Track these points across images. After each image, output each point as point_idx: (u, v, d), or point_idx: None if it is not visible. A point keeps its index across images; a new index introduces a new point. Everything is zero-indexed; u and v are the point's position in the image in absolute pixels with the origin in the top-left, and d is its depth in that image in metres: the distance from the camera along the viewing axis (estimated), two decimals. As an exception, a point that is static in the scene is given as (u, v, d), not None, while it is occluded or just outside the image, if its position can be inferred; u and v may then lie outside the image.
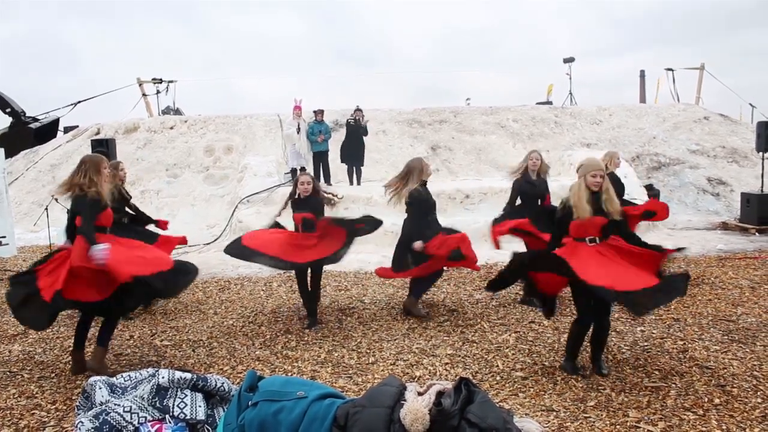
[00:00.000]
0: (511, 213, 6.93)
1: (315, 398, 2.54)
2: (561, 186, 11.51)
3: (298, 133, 12.59)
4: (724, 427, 3.76)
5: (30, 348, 5.76)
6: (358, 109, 13.47)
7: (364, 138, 13.32)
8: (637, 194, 11.50)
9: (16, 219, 13.15)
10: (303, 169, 12.77)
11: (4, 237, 9.90)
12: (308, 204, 6.20)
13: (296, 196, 6.29)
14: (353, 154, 13.22)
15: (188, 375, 2.90)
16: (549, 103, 19.71)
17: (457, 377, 2.56)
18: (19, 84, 59.28)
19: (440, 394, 2.41)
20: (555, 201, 7.40)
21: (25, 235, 12.91)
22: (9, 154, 15.86)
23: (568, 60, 20.22)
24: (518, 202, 6.97)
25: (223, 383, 2.98)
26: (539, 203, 6.75)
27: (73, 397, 4.42)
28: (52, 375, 5.02)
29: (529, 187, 6.82)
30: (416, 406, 2.32)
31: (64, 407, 4.33)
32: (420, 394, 2.44)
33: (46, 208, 11.36)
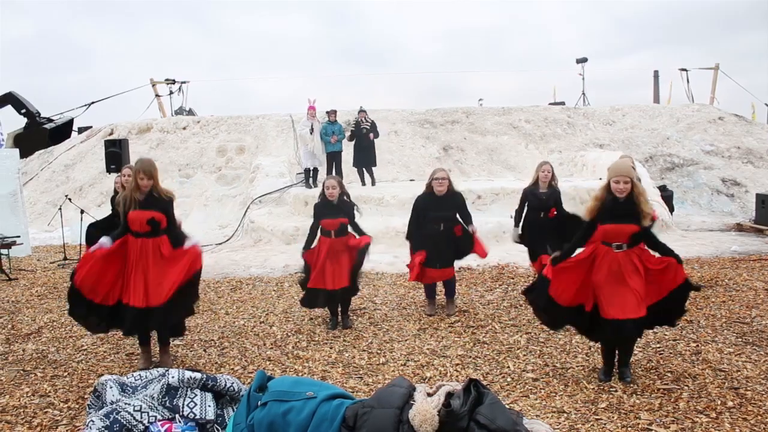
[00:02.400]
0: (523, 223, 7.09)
1: (324, 399, 2.54)
2: (573, 187, 11.48)
3: (311, 133, 12.59)
4: (737, 431, 3.72)
5: (43, 347, 5.81)
6: (362, 111, 13.40)
7: (374, 140, 13.24)
8: (650, 195, 11.40)
9: (30, 219, 13.29)
10: (316, 170, 12.81)
11: (19, 237, 10.01)
12: (341, 209, 6.10)
13: (324, 201, 6.13)
14: (362, 156, 13.18)
15: (198, 375, 2.92)
16: (561, 103, 19.59)
17: (467, 378, 2.55)
18: (28, 83, 59.99)
19: (449, 395, 2.40)
20: (567, 203, 7.41)
21: (40, 234, 13.04)
22: (24, 155, 16.05)
23: (581, 60, 20.03)
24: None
25: (232, 383, 3.00)
26: (542, 215, 6.83)
27: (86, 396, 4.46)
28: (65, 374, 5.06)
29: (535, 200, 6.93)
30: (425, 407, 2.32)
31: (77, 406, 4.37)
32: (429, 395, 2.43)
33: (60, 208, 11.47)
